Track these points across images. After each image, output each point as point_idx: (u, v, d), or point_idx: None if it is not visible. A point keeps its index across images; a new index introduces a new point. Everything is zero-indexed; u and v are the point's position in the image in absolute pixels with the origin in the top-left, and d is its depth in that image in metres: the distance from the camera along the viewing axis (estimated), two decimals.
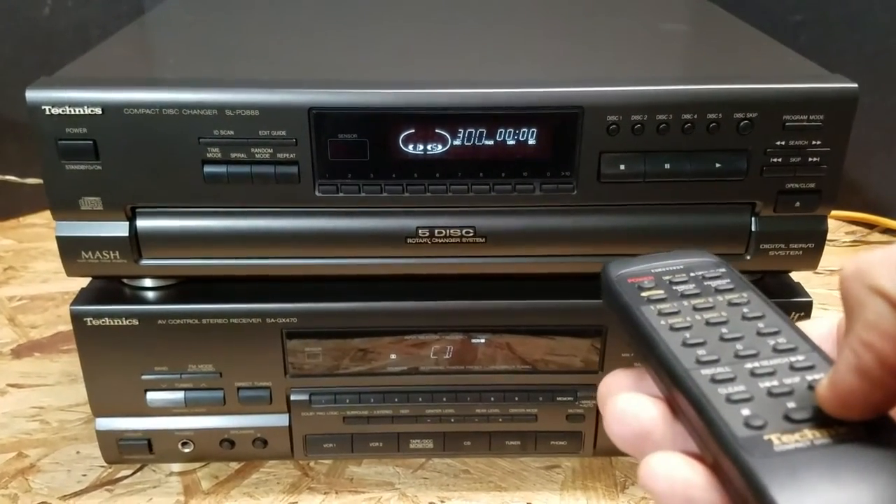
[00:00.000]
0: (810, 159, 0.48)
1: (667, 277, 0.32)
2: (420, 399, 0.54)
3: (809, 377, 0.27)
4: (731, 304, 0.31)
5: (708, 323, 0.30)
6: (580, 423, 0.55)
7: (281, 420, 0.55)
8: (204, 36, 0.62)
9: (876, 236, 0.97)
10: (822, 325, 0.30)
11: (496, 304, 0.52)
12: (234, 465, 0.60)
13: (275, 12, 0.67)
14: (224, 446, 0.55)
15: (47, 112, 0.45)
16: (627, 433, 0.28)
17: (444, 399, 0.55)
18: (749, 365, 0.27)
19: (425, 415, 0.55)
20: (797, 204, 0.49)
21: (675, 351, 0.29)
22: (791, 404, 0.26)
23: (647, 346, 0.30)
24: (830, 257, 0.91)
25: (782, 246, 0.50)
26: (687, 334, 0.29)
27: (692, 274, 0.32)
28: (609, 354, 0.53)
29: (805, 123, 0.47)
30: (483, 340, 0.53)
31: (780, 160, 0.47)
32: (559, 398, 0.55)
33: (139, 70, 0.54)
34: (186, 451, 0.55)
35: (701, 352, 0.28)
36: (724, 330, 0.29)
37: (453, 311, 0.52)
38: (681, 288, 0.32)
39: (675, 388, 0.28)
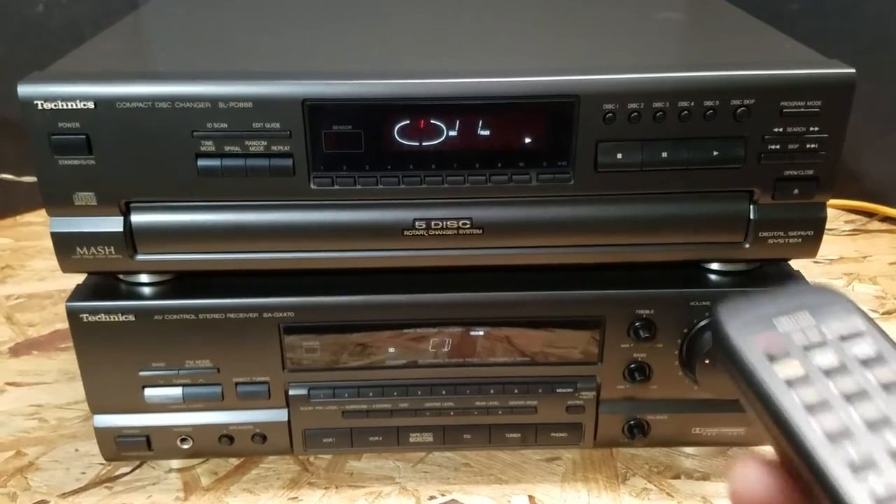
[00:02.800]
0: (808, 146, 0.47)
1: (799, 341, 0.27)
2: (419, 392, 0.54)
3: None
4: (884, 386, 0.26)
5: (869, 425, 0.25)
6: (580, 415, 0.55)
7: (279, 415, 0.54)
8: (197, 29, 0.62)
9: (876, 224, 0.96)
10: None
11: (494, 296, 0.52)
12: (234, 461, 0.60)
13: (267, 5, 0.67)
14: (223, 442, 0.55)
15: (39, 107, 0.44)
16: None
17: (444, 392, 0.54)
18: None
19: (424, 408, 0.55)
20: (795, 191, 0.48)
21: (834, 469, 0.24)
22: None
23: (790, 441, 0.25)
24: (830, 246, 0.91)
25: (781, 234, 0.50)
26: (849, 447, 0.24)
27: (827, 334, 0.27)
28: (608, 346, 0.53)
29: (803, 110, 0.46)
30: (482, 333, 0.53)
31: (777, 147, 0.47)
32: (559, 390, 0.54)
33: (131, 64, 0.53)
34: (185, 447, 0.55)
35: (862, 464, 0.24)
36: (889, 438, 0.24)
37: (451, 303, 0.52)
38: (820, 361, 0.26)
39: None
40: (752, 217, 0.49)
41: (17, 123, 0.45)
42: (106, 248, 0.48)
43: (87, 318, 0.50)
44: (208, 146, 0.46)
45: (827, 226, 0.50)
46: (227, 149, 0.46)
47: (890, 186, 0.96)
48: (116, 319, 0.51)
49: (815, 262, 0.87)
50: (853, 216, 0.98)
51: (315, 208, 0.48)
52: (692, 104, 0.46)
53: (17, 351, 0.74)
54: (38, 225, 0.97)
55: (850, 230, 0.95)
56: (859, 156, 0.96)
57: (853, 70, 0.46)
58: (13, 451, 0.61)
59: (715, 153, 0.47)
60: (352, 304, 0.52)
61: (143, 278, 0.52)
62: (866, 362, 0.26)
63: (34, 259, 0.90)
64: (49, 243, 0.48)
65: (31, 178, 0.89)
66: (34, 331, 0.77)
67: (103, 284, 0.52)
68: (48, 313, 0.80)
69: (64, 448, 0.62)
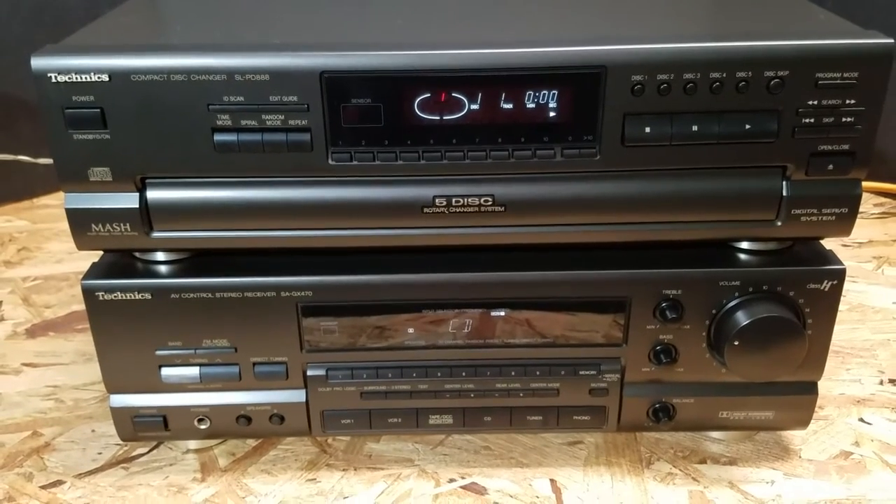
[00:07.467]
0: (844, 119, 0.45)
1: None
2: (439, 374, 0.53)
3: None
4: None
5: None
6: (603, 398, 0.54)
7: (297, 396, 0.54)
8: (214, 2, 0.61)
9: None
10: None
11: (516, 276, 0.51)
12: (252, 443, 0.60)
13: None
14: (240, 423, 0.54)
15: (53, 80, 0.43)
16: None
17: (464, 373, 0.53)
18: None
19: (444, 390, 0.54)
20: (830, 167, 0.47)
21: None
22: None
23: None
24: (859, 230, 0.89)
25: (815, 211, 0.48)
26: None
27: None
28: (633, 327, 0.52)
29: (839, 81, 0.45)
30: (503, 314, 0.52)
31: (812, 121, 0.45)
32: (581, 372, 0.53)
33: (147, 36, 0.52)
34: (202, 427, 0.54)
35: None
36: None
37: (472, 283, 0.51)
38: None
39: None
40: (784, 194, 0.48)
41: (32, 105, 0.44)
42: (121, 224, 0.47)
43: (102, 296, 0.50)
44: (224, 120, 0.45)
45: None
46: (243, 123, 0.45)
47: None
48: (133, 298, 0.50)
49: (845, 246, 0.85)
50: (882, 199, 0.95)
51: (333, 184, 0.47)
52: (724, 75, 0.44)
53: (33, 332, 0.74)
54: (54, 207, 0.97)
55: (879, 213, 0.93)
56: (889, 137, 0.93)
57: (892, 40, 0.44)
58: (30, 431, 0.61)
59: (747, 127, 0.45)
60: (370, 284, 0.51)
61: (160, 256, 0.51)
62: None
63: (51, 241, 0.90)
64: (66, 225, 0.48)
65: (48, 161, 0.89)
66: (51, 312, 0.77)
67: (119, 262, 0.52)
68: (65, 295, 0.79)
69: (80, 429, 0.61)
